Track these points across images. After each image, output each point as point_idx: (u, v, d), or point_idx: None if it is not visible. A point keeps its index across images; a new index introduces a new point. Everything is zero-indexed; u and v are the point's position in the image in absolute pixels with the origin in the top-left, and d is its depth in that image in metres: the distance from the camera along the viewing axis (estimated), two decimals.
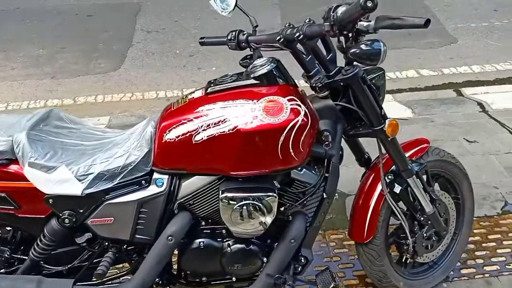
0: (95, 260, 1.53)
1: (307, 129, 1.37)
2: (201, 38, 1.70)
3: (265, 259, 1.56)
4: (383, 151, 1.61)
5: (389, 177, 1.63)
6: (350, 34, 1.31)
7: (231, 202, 1.41)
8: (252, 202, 1.40)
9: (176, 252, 1.55)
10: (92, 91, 3.81)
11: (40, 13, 5.27)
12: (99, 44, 4.55)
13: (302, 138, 1.37)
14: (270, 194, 1.42)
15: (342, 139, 1.61)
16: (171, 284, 1.63)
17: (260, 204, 1.41)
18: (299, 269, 1.62)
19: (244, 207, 1.40)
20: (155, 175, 1.46)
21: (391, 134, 1.48)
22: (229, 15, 1.59)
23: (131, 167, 1.42)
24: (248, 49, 1.55)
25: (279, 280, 1.55)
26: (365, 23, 1.28)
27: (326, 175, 1.53)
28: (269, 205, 1.42)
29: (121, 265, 1.69)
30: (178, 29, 4.84)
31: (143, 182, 1.45)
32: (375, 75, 1.53)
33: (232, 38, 1.55)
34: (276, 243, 1.56)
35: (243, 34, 1.54)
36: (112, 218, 1.45)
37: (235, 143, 1.35)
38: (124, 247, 1.53)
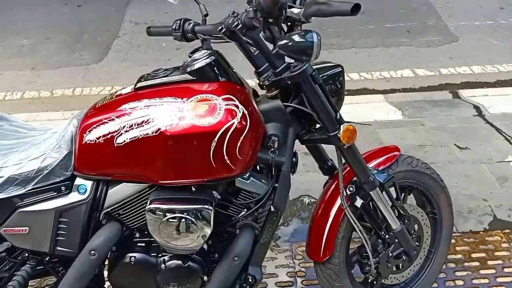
0: (18, 272, 1.37)
1: (245, 133, 1.18)
2: (148, 27, 1.52)
3: (206, 278, 1.38)
4: (343, 160, 1.42)
5: (350, 189, 1.44)
6: (281, 24, 1.11)
7: (157, 213, 1.24)
8: (180, 215, 1.23)
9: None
10: (71, 84, 3.66)
11: (29, 1, 5.14)
12: (84, 35, 4.40)
13: (239, 144, 1.19)
14: (205, 207, 1.24)
15: (303, 145, 1.43)
16: None
17: (191, 218, 1.23)
18: None
19: (172, 220, 1.23)
20: (77, 181, 1.29)
21: (346, 141, 1.29)
22: (176, 1, 1.42)
23: (47, 171, 1.25)
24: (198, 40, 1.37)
25: None
26: (296, 10, 1.08)
27: (276, 185, 1.34)
28: (203, 219, 1.24)
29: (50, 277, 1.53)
30: (167, 21, 4.62)
31: (62, 188, 1.28)
32: (331, 72, 1.34)
33: (177, 27, 1.37)
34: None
35: (189, 23, 1.36)
36: (27, 228, 1.28)
37: (160, 148, 1.18)
38: (47, 259, 1.36)
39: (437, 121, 2.93)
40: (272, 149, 1.28)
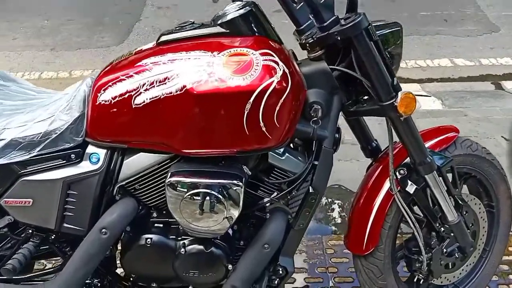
0: (20, 250, 1.22)
1: (284, 96, 1.00)
2: None
3: (230, 267, 1.21)
4: (396, 137, 1.22)
5: (401, 172, 1.23)
6: None
7: (178, 188, 1.06)
8: (205, 191, 1.05)
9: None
10: (90, 65, 3.54)
11: None
12: (105, 18, 4.29)
13: (278, 108, 1.00)
14: (234, 182, 1.06)
15: (342, 117, 1.24)
16: (119, 287, 1.31)
17: (217, 195, 1.06)
18: (276, 282, 1.26)
19: (195, 197, 1.05)
20: (89, 149, 1.13)
21: (404, 111, 1.09)
22: None
23: (55, 135, 1.09)
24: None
25: None
26: None
27: (315, 162, 1.15)
28: (230, 197, 1.06)
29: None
30: (190, 6, 4.51)
31: (72, 156, 1.12)
32: (387, 30, 1.14)
33: None
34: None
35: None
36: (31, 200, 1.13)
37: (184, 109, 1.00)
38: (53, 237, 1.21)
39: (480, 112, 2.69)
40: (314, 119, 1.09)
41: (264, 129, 1.01)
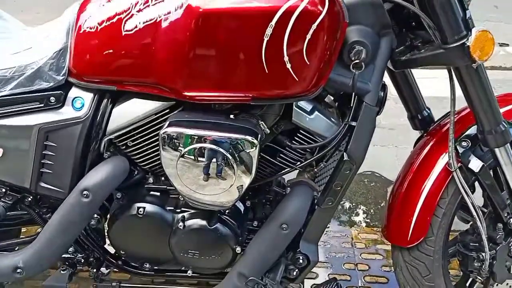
0: None
1: (318, 22, 0.75)
2: None
3: (239, 250, 0.97)
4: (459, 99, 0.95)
5: (463, 144, 0.96)
6: None
7: (177, 143, 0.83)
8: (210, 146, 0.82)
9: None
10: None
11: None
12: None
13: (309, 38, 0.75)
14: (246, 138, 0.83)
15: (388, 69, 0.99)
16: (108, 266, 1.09)
17: (226, 153, 0.82)
18: (294, 273, 1.02)
19: (197, 156, 0.83)
20: (73, 92, 0.92)
21: (478, 56, 0.82)
22: None
23: (32, 70, 0.89)
24: None
25: (254, 285, 0.96)
26: None
27: (353, 123, 0.90)
28: (242, 158, 0.83)
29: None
30: None
31: (51, 99, 0.91)
32: None
33: None
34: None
35: None
36: (1, 150, 0.93)
37: (187, 35, 0.77)
38: (30, 199, 1.01)
39: None
40: (356, 63, 0.84)
41: (289, 66, 0.77)
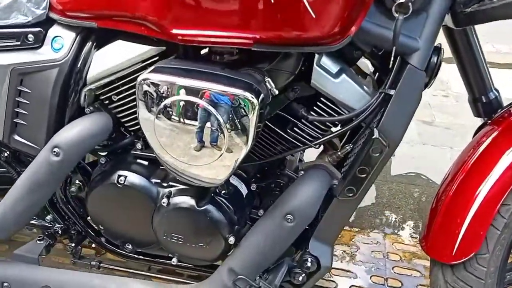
0: None
1: None
2: None
3: (232, 240, 0.79)
4: None
5: None
6: None
7: (156, 93, 0.66)
8: (195, 101, 0.64)
9: None
10: None
11: None
12: None
13: None
14: (245, 94, 0.64)
15: (445, 29, 0.76)
16: (92, 241, 0.96)
17: (214, 113, 0.64)
18: (300, 278, 0.82)
19: (179, 110, 0.65)
20: (53, 30, 0.78)
21: None
22: None
23: (8, 0, 0.76)
24: None
25: (245, 286, 0.77)
26: None
27: (391, 92, 0.68)
28: (234, 123, 0.64)
29: None
30: None
31: (29, 37, 0.78)
32: None
33: None
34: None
35: None
36: None
37: None
38: (6, 154, 0.89)
39: None
40: (401, 3, 0.62)
41: (306, 1, 0.57)
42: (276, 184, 0.87)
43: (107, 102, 0.81)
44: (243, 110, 0.64)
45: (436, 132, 1.78)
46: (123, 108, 0.80)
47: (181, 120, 0.67)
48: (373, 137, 0.67)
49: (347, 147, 0.78)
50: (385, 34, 0.66)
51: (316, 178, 0.77)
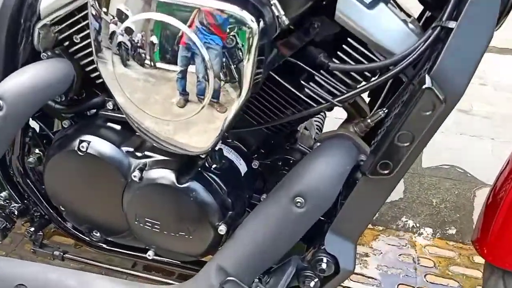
0: None
1: None
2: None
3: (223, 230, 0.60)
4: None
5: None
6: None
7: (115, 15, 0.47)
8: (170, 21, 0.45)
9: None
10: None
11: None
12: None
13: None
14: (243, 15, 0.44)
15: None
16: (57, 226, 0.78)
17: (195, 39, 0.45)
18: (312, 284, 0.62)
19: (147, 38, 0.47)
20: None
21: None
22: None
23: None
24: None
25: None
26: None
27: (450, 25, 0.48)
28: (229, 54, 0.45)
29: None
30: None
31: None
32: None
33: None
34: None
35: None
36: None
37: None
38: None
39: None
40: None
41: None
42: (285, 161, 0.68)
43: (67, 43, 0.63)
44: (235, 40, 0.45)
45: (475, 122, 1.55)
46: (86, 51, 0.62)
47: (152, 62, 0.48)
48: (424, 86, 0.47)
49: (380, 113, 0.58)
50: None
51: (337, 149, 0.57)
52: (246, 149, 0.68)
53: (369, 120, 0.60)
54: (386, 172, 0.53)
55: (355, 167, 0.58)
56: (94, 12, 0.48)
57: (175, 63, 0.48)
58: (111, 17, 0.48)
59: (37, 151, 0.72)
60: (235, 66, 0.46)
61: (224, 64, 0.46)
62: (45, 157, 0.68)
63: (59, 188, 0.67)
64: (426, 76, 0.47)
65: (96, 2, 0.48)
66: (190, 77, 0.48)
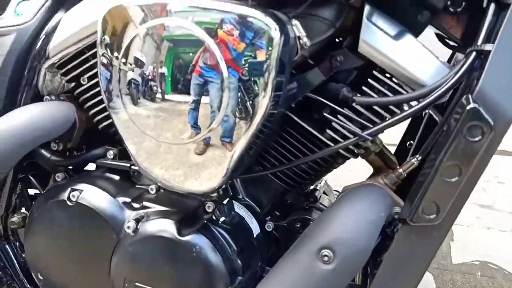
0: None
1: None
2: None
3: (239, 279, 0.48)
4: None
5: None
6: None
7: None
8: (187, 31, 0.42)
9: None
10: None
11: None
12: None
13: None
14: (267, 21, 0.41)
15: None
16: None
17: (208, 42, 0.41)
18: None
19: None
20: None
21: None
22: None
23: None
24: None
25: None
26: None
27: (487, 47, 0.44)
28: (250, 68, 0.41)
29: None
30: None
31: None
32: None
33: None
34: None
35: None
36: None
37: None
38: None
39: None
40: None
41: None
42: (304, 222, 0.59)
43: (73, 85, 0.59)
44: (257, 47, 0.40)
45: (501, 217, 1.44)
46: (93, 92, 0.58)
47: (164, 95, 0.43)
48: (469, 107, 0.41)
49: (413, 161, 0.51)
50: None
51: (368, 195, 0.48)
52: (259, 208, 0.59)
53: (400, 170, 0.52)
54: (432, 216, 0.44)
55: (390, 222, 0.49)
56: (105, 61, 0.45)
57: (188, 93, 0.43)
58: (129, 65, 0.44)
59: (23, 210, 0.64)
60: (250, 101, 0.41)
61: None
62: (30, 212, 0.60)
63: (41, 247, 0.57)
64: (469, 96, 0.42)
65: (109, 50, 0.45)
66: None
